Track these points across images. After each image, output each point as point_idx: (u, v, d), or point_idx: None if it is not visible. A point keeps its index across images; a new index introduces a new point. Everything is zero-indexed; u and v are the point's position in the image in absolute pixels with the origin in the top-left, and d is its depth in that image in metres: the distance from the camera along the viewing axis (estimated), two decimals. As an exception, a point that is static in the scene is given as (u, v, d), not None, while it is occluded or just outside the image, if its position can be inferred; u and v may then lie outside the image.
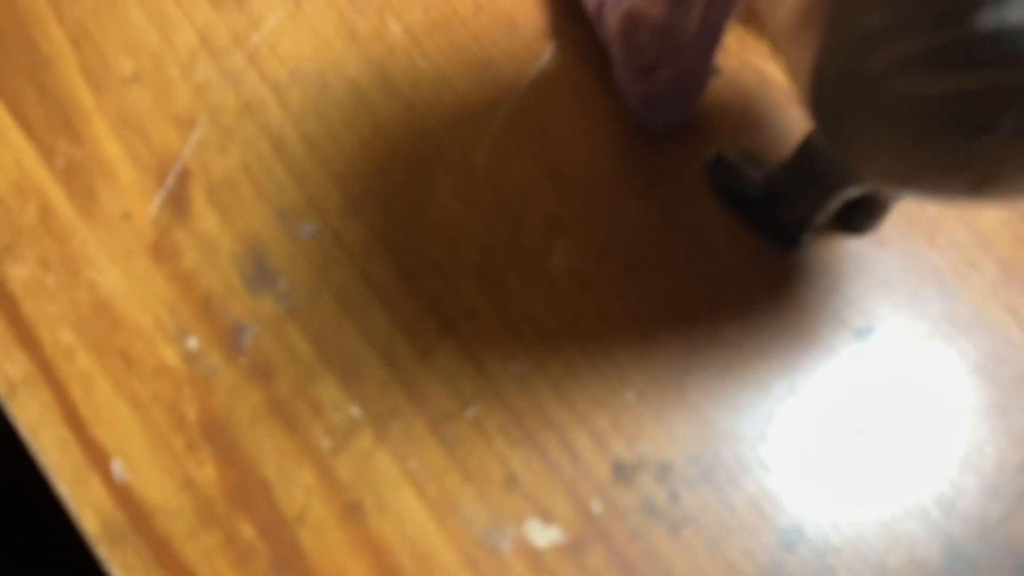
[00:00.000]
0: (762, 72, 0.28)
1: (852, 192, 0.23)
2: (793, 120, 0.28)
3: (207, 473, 0.25)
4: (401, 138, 0.28)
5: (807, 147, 0.23)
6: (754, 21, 0.29)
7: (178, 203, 0.26)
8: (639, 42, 0.25)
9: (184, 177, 0.27)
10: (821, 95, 0.17)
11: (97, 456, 0.25)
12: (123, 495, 0.24)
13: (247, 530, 0.24)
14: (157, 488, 0.25)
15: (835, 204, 0.24)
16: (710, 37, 0.25)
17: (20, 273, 0.25)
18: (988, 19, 0.14)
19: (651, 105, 0.27)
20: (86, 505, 0.24)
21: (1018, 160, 0.16)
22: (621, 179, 0.28)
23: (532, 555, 0.24)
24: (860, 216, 0.27)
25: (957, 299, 0.27)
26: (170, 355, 0.25)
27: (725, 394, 0.26)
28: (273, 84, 0.28)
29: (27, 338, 0.25)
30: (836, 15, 0.16)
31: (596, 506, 0.25)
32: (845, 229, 0.27)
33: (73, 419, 0.25)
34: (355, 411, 0.25)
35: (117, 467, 0.25)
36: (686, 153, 0.28)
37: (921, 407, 0.26)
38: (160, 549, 0.24)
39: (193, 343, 0.25)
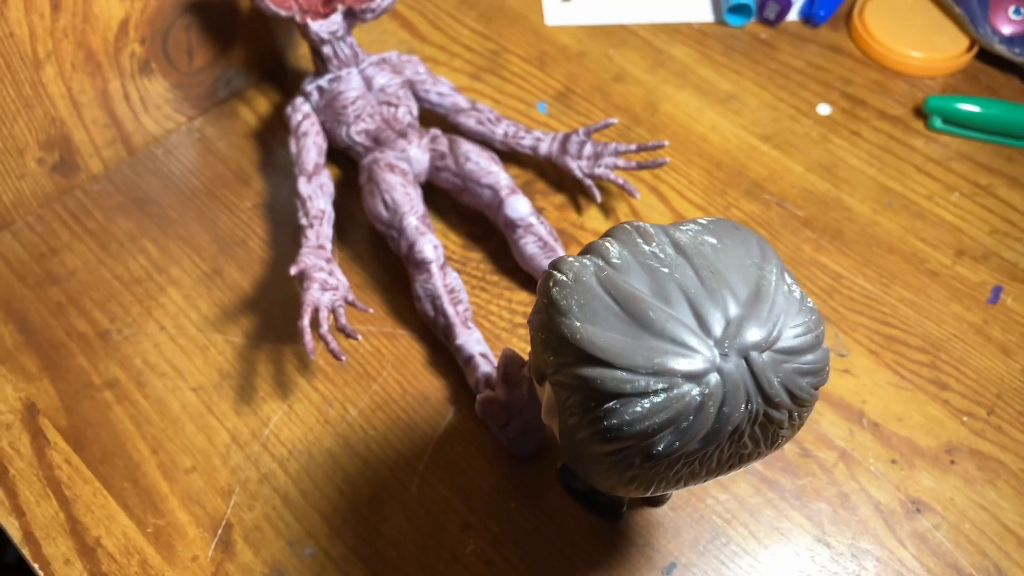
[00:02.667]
0: (583, 409, 0.45)
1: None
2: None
3: None
4: (362, 483, 0.44)
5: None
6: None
7: (226, 546, 0.42)
8: (494, 411, 0.42)
9: (228, 528, 0.42)
10: (564, 449, 0.33)
11: None
12: None
13: None
14: None
15: (628, 491, 0.40)
16: (538, 401, 0.42)
17: (130, 607, 0.40)
18: (612, 419, 0.30)
19: (513, 442, 0.43)
20: None
21: (655, 477, 0.32)
22: (506, 487, 0.44)
23: None
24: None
25: (726, 536, 0.42)
26: (226, 648, 0.40)
27: (585, 623, 0.40)
28: (279, 460, 0.44)
29: (137, 649, 0.39)
30: (559, 413, 0.33)
31: None
32: (648, 504, 0.43)
33: None
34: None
35: None
36: (543, 465, 0.44)
37: (710, 614, 0.40)
38: None
39: (241, 638, 0.40)
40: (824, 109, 0.59)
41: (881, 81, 0.61)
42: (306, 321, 0.43)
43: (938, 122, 0.58)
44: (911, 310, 0.50)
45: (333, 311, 0.45)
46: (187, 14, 0.53)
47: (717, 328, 0.31)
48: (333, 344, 0.43)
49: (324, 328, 0.44)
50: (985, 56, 0.62)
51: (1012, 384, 0.47)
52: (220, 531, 0.42)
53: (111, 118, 0.53)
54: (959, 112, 0.57)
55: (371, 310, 0.46)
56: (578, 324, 0.31)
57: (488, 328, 0.49)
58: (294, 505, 0.43)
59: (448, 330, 0.46)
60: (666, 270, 0.32)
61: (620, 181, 0.52)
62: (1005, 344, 0.49)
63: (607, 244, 0.33)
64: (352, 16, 0.52)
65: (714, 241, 0.33)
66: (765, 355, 0.31)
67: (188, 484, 0.43)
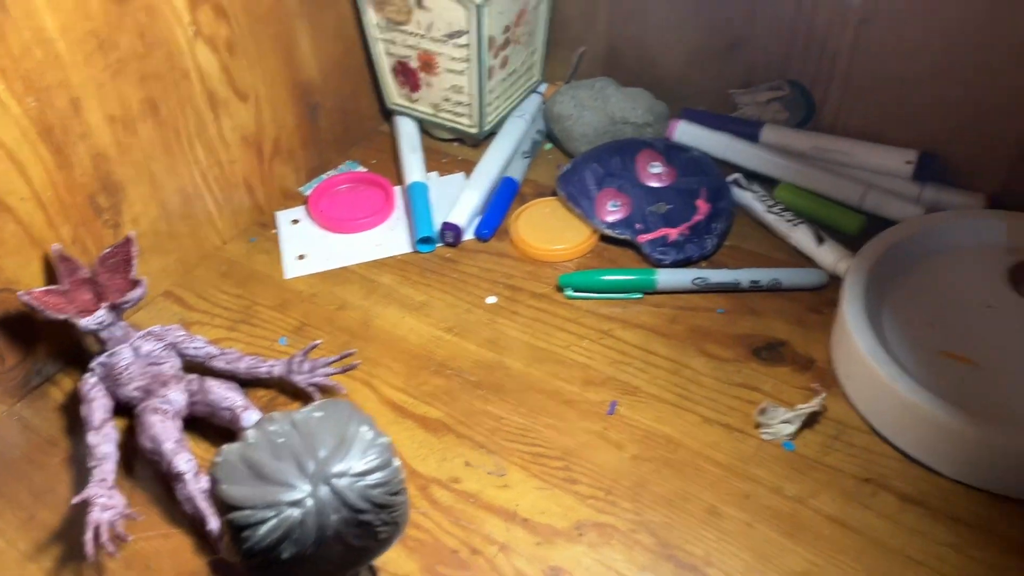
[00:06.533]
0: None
1: None
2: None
3: None
4: (146, 648, 0.58)
5: None
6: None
7: None
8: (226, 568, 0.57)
9: None
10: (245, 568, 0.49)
11: None
12: None
13: None
14: None
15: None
16: (260, 555, 0.57)
17: None
18: (248, 543, 0.47)
19: None
20: None
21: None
22: (255, 628, 0.58)
23: None
24: (358, 604, 0.58)
25: (416, 626, 0.57)
26: None
27: None
28: (82, 646, 0.58)
29: None
30: (231, 549, 0.49)
31: None
32: (357, 613, 0.58)
33: None
34: None
35: None
36: None
37: None
38: None
39: None
40: (492, 299, 0.80)
41: (533, 271, 0.82)
42: (89, 535, 0.59)
43: (570, 292, 0.78)
44: (552, 432, 0.68)
45: (112, 524, 0.61)
46: (-6, 330, 0.71)
47: (310, 468, 0.48)
48: (111, 548, 0.59)
49: (104, 538, 0.59)
50: (604, 238, 0.84)
51: (623, 470, 0.65)
52: None
53: (-57, 418, 0.70)
54: (581, 282, 0.78)
55: (143, 517, 0.62)
56: (224, 487, 0.48)
57: (241, 513, 0.65)
58: (94, 677, 0.57)
59: (203, 520, 0.62)
60: (282, 439, 0.50)
61: (331, 383, 0.70)
62: (619, 441, 0.67)
63: (248, 431, 0.51)
64: (116, 308, 0.71)
65: (319, 414, 0.51)
66: (344, 479, 0.48)
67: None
